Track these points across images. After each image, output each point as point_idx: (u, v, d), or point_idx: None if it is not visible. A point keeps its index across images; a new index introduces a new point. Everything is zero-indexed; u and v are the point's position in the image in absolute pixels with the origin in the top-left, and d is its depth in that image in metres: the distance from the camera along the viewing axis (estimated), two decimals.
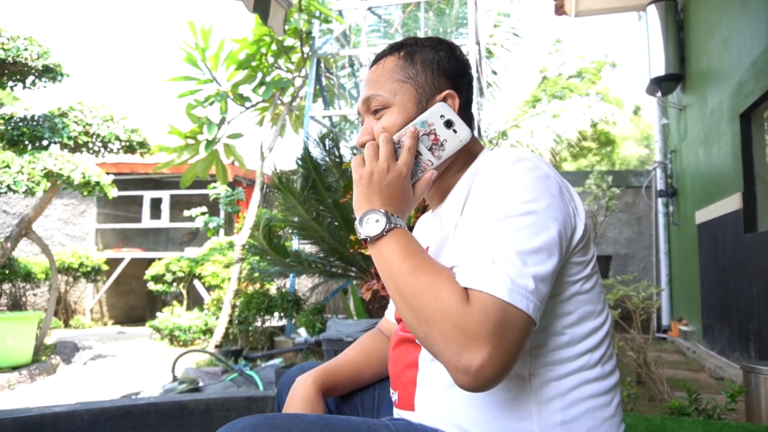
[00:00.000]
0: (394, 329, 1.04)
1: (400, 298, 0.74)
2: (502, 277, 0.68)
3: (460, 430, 0.81)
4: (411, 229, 0.98)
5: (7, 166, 4.76)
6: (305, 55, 6.55)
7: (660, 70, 5.44)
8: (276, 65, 6.72)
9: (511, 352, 0.67)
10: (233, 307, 5.86)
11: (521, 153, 0.81)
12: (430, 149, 0.88)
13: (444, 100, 0.92)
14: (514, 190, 0.75)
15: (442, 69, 0.94)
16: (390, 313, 1.18)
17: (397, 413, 0.93)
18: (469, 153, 0.95)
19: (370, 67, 0.99)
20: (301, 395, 1.00)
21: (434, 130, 0.88)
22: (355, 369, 1.10)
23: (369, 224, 0.81)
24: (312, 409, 0.99)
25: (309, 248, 5.09)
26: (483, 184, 0.79)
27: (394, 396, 0.95)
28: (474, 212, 0.77)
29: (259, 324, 5.80)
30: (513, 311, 0.67)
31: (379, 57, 0.98)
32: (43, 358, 5.24)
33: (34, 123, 5.21)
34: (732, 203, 3.88)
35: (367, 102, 0.94)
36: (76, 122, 5.33)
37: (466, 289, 0.69)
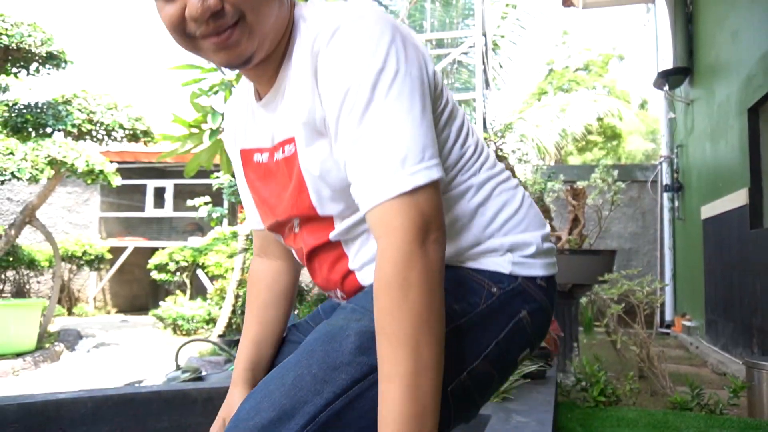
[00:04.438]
0: (284, 243, 0.98)
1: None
2: (407, 175, 0.69)
3: None
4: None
5: (11, 153, 4.76)
6: None
7: (668, 64, 5.40)
8: None
9: (441, 216, 0.72)
10: (236, 296, 5.87)
11: (357, 11, 0.76)
12: None
13: None
14: (371, 63, 0.72)
15: None
16: (256, 221, 1.03)
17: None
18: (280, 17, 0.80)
19: None
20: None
21: None
22: (267, 336, 1.04)
23: None
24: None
25: None
26: (334, 64, 0.74)
27: (338, 294, 0.93)
28: (343, 104, 0.73)
29: None
30: (429, 190, 0.70)
31: None
32: (47, 346, 5.27)
33: (38, 110, 5.20)
34: (738, 199, 3.86)
35: None
36: (79, 110, 5.32)
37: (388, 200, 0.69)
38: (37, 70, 5.28)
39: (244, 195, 1.05)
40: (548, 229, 0.94)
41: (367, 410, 0.70)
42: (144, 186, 9.57)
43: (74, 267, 8.74)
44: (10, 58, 5.09)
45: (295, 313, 5.65)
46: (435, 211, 0.71)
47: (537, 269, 0.88)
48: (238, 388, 1.00)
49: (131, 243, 9.33)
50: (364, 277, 0.87)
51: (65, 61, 5.30)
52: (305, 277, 7.48)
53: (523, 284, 0.86)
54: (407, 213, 0.69)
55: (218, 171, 8.61)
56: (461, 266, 0.85)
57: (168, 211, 9.41)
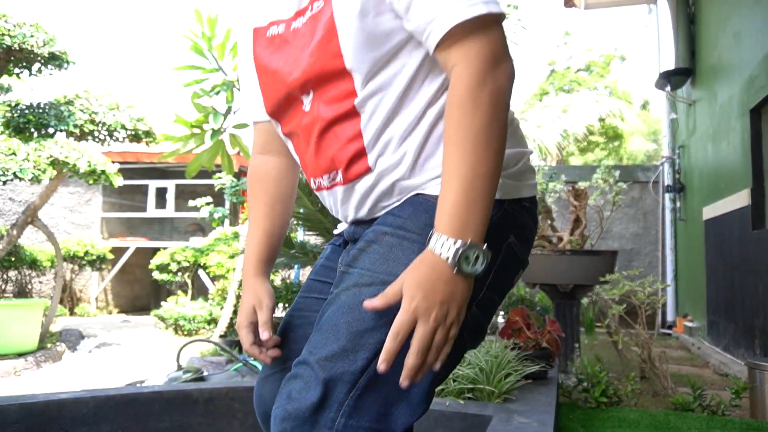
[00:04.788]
0: (281, 132, 0.98)
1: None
2: (481, 2, 0.75)
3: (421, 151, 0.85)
4: None
5: (14, 154, 4.77)
6: None
7: (670, 64, 5.39)
8: None
9: (508, 47, 0.78)
10: (238, 297, 5.87)
11: None
12: None
13: None
14: None
15: None
16: (259, 112, 1.04)
17: (340, 190, 0.91)
18: None
19: None
20: (251, 293, 1.02)
21: None
22: (277, 230, 1.07)
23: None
24: (265, 297, 1.01)
25: (314, 239, 5.10)
26: None
27: (334, 177, 0.90)
28: None
29: None
30: (500, 22, 0.77)
31: None
32: (49, 346, 5.27)
33: (40, 110, 5.21)
34: (740, 199, 3.85)
35: None
36: (81, 110, 5.33)
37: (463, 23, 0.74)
38: (40, 71, 5.28)
39: (248, 83, 1.04)
40: (530, 150, 0.96)
41: (398, 365, 0.73)
42: (146, 186, 9.58)
43: (76, 267, 8.75)
44: (12, 58, 5.10)
45: None
46: (505, 41, 0.78)
47: (523, 191, 0.89)
48: (260, 279, 1.04)
49: (133, 243, 9.34)
50: (374, 160, 0.86)
51: (67, 62, 5.30)
52: (306, 276, 7.48)
53: (509, 208, 0.87)
54: (482, 39, 0.75)
55: (220, 171, 8.63)
56: None
57: (170, 211, 9.42)
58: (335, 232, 1.07)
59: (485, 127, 0.74)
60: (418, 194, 0.86)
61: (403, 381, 0.71)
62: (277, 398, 0.79)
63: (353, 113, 0.85)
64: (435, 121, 0.85)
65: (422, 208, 0.83)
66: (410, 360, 0.70)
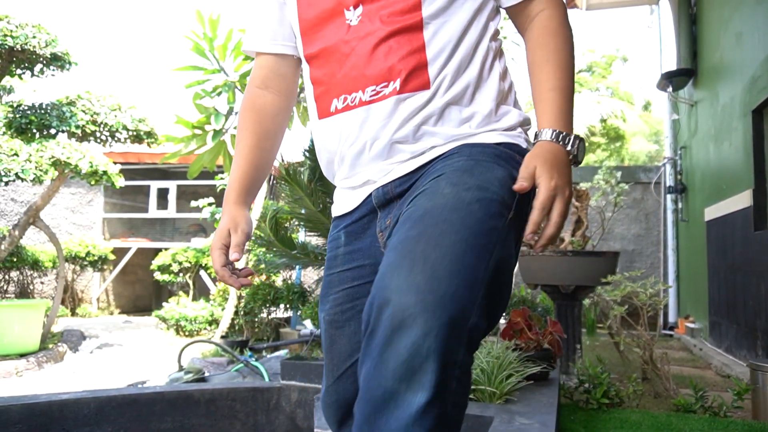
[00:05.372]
0: (302, 51, 0.97)
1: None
2: None
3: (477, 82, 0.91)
4: None
5: (15, 154, 4.78)
6: None
7: (671, 65, 5.39)
8: None
9: None
10: (239, 298, 5.88)
11: None
12: None
13: None
14: None
15: None
16: (265, 43, 1.04)
17: (380, 107, 0.87)
18: None
19: None
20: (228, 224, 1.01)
21: None
22: (264, 164, 1.06)
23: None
24: (242, 222, 1.00)
25: (315, 240, 5.09)
26: None
27: (383, 89, 0.87)
28: None
29: (264, 315, 5.82)
30: None
31: None
32: (50, 346, 5.28)
33: (42, 111, 5.22)
34: (742, 200, 3.85)
35: None
36: (83, 111, 5.33)
37: None
38: (42, 72, 5.29)
39: (265, 7, 1.03)
40: None
41: (513, 252, 0.80)
42: (147, 187, 9.60)
43: (78, 268, 8.76)
44: (14, 59, 5.11)
45: (298, 314, 5.66)
46: None
47: (526, 143, 0.95)
48: (240, 206, 1.03)
49: (134, 244, 9.35)
50: (434, 77, 0.87)
51: (69, 63, 5.31)
52: (308, 277, 7.48)
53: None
54: None
55: (221, 172, 8.63)
56: (502, 143, 0.90)
57: (171, 212, 9.43)
58: (343, 211, 1.00)
59: (572, 56, 0.92)
60: (467, 143, 0.88)
61: (538, 247, 0.80)
62: (375, 363, 0.67)
63: (417, 27, 0.87)
64: (484, 60, 0.92)
65: (479, 148, 0.87)
66: (550, 230, 0.80)
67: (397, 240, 0.76)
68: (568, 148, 0.85)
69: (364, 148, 0.91)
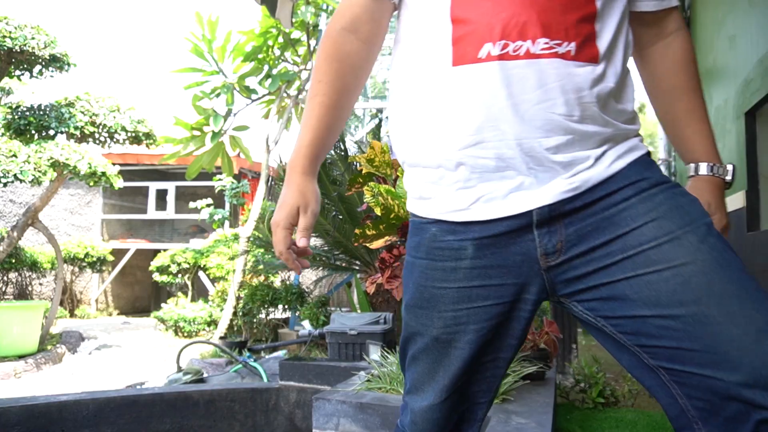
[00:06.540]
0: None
1: None
2: None
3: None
4: None
5: (14, 156, 4.79)
6: (312, 48, 6.55)
7: None
8: (283, 58, 6.72)
9: None
10: (238, 298, 5.89)
11: None
12: None
13: None
14: None
15: None
16: None
17: (558, 65, 0.73)
18: None
19: None
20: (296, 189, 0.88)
21: None
22: (338, 125, 0.91)
23: None
24: (312, 201, 0.88)
25: (313, 241, 5.11)
26: None
27: (564, 46, 0.74)
28: None
29: (263, 316, 5.83)
30: None
31: None
32: (49, 348, 5.29)
33: (41, 112, 5.24)
34: (735, 201, 3.87)
35: None
36: (82, 112, 5.35)
37: None
38: (41, 73, 5.31)
39: None
40: None
41: None
42: (146, 188, 9.61)
43: (76, 269, 8.77)
44: (13, 60, 5.12)
45: (297, 315, 5.67)
46: None
47: None
48: (309, 177, 0.89)
49: (133, 245, 9.36)
50: (603, 48, 0.77)
51: (68, 64, 5.33)
52: (306, 278, 7.49)
53: None
54: None
55: (220, 173, 8.65)
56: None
57: (170, 213, 9.44)
58: (470, 218, 0.80)
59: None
60: (643, 158, 0.82)
61: None
62: None
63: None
64: (625, 55, 0.82)
65: (658, 169, 0.84)
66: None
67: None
68: (727, 178, 0.94)
69: (515, 107, 0.74)
